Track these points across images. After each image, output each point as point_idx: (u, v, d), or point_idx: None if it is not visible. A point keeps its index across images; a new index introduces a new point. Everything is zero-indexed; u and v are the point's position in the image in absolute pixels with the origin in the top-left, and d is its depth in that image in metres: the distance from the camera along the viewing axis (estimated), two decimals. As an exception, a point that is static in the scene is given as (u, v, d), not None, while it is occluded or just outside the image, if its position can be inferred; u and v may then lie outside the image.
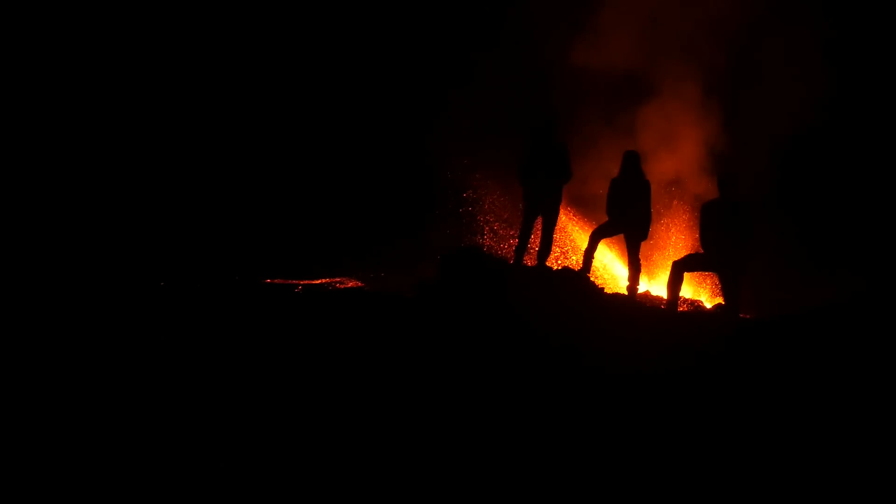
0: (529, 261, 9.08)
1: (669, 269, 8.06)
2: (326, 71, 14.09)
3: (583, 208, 11.49)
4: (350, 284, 10.21)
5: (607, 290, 8.98)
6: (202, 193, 13.42)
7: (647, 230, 8.69)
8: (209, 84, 13.85)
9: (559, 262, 11.27)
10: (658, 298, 9.47)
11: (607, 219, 8.73)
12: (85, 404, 5.62)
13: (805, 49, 11.64)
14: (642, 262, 8.89)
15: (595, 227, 8.96)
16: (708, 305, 9.91)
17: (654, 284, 11.04)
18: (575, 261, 11.13)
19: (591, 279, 8.78)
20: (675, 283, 7.97)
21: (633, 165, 8.65)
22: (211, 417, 5.50)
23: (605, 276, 11.12)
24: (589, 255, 8.71)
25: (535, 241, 9.06)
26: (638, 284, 8.75)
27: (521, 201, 9.16)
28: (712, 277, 10.58)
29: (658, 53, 12.09)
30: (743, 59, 12.18)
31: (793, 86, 11.57)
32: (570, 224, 11.77)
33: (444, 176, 12.83)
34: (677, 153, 11.93)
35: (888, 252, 11.45)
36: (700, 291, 11.21)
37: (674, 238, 12.10)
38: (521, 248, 8.91)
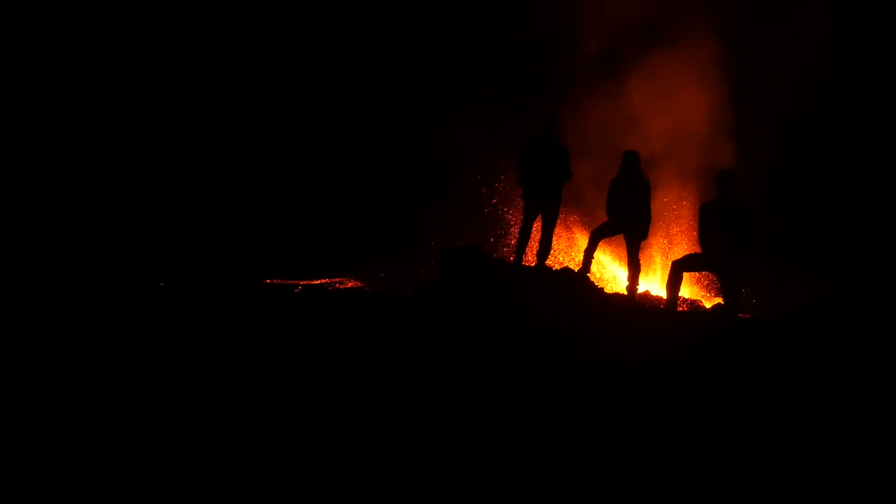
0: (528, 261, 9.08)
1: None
2: (327, 72, 14.09)
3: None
4: (350, 284, 10.22)
5: (607, 290, 8.98)
6: (202, 194, 13.42)
7: (647, 230, 8.69)
8: (209, 84, 13.85)
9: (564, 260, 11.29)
10: (658, 298, 9.47)
11: (607, 219, 8.75)
12: (85, 404, 5.63)
13: (804, 39, 11.64)
14: (641, 261, 8.90)
15: (595, 227, 8.98)
16: (707, 305, 9.91)
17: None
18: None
19: (591, 279, 8.78)
20: (674, 283, 7.98)
21: (632, 165, 8.65)
22: (211, 417, 5.50)
23: (605, 276, 11.12)
24: (589, 254, 8.71)
25: (534, 241, 9.07)
26: (638, 284, 8.75)
27: (520, 201, 9.17)
28: (712, 277, 10.57)
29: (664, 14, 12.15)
30: (740, 52, 12.20)
31: (791, 77, 11.59)
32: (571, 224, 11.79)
33: (444, 175, 12.83)
34: (679, 120, 11.94)
35: (883, 250, 11.45)
36: (700, 291, 11.21)
37: (674, 231, 12.09)
38: (521, 248, 8.92)
